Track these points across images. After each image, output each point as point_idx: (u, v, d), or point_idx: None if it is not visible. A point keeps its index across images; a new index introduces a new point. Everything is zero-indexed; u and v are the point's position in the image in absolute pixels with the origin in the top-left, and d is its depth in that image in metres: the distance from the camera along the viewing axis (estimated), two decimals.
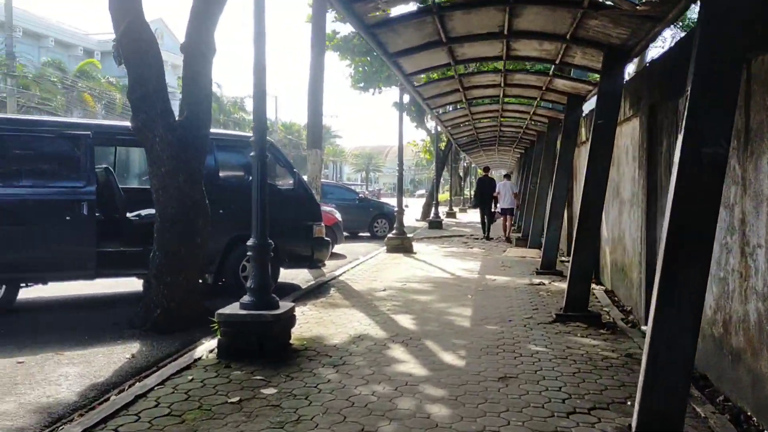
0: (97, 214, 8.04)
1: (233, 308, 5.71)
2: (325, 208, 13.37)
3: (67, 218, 7.69)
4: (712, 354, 5.00)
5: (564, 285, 9.68)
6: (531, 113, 14.03)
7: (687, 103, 3.71)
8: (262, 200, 5.78)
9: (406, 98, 19.46)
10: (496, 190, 19.11)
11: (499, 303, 8.31)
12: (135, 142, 7.72)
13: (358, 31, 7.03)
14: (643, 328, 6.84)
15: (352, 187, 30.03)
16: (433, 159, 31.67)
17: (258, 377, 4.95)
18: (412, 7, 7.10)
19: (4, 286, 7.64)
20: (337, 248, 14.40)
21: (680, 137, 3.78)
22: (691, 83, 3.68)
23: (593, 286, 8.80)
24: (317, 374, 5.06)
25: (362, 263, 12.66)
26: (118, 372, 5.47)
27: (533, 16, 6.90)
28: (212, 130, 7.76)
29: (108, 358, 5.85)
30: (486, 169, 21.16)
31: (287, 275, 10.28)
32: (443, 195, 44.02)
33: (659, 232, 6.70)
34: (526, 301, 8.48)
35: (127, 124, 7.33)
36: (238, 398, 4.47)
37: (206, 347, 5.85)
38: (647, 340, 3.82)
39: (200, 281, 7.81)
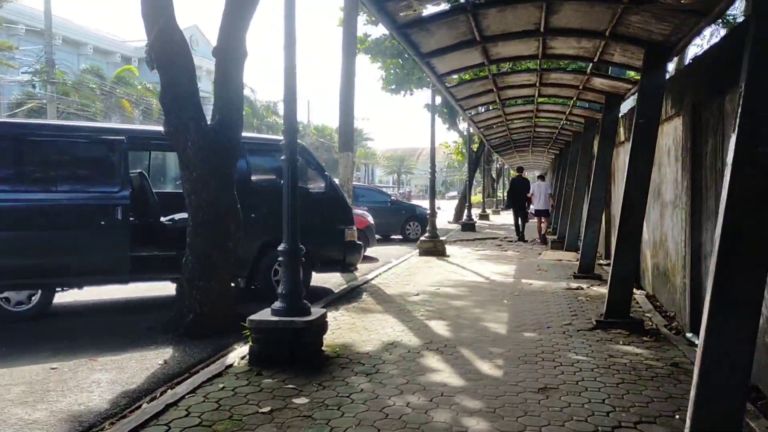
0: (131, 219, 8.06)
1: (264, 314, 5.62)
2: (356, 211, 13.27)
3: (102, 223, 7.72)
4: (765, 364, 4.74)
5: (603, 289, 9.42)
6: (567, 113, 13.73)
7: (741, 100, 3.48)
8: (293, 205, 5.68)
9: (438, 100, 19.26)
10: (530, 191, 18.80)
11: (536, 308, 8.09)
12: (168, 146, 7.70)
13: (390, 32, 6.90)
14: (689, 335, 6.57)
15: (384, 190, 29.91)
16: (465, 160, 31.38)
17: (289, 386, 4.85)
18: (444, 5, 6.93)
19: (39, 291, 7.69)
20: (370, 251, 14.29)
21: (733, 136, 3.55)
22: (746, 79, 3.46)
23: (634, 290, 8.52)
24: (350, 383, 4.93)
25: (395, 267, 12.52)
26: (150, 378, 5.43)
27: (571, 13, 6.68)
28: (244, 134, 7.71)
29: (140, 364, 5.81)
30: (519, 170, 20.85)
31: (319, 279, 10.19)
32: (476, 197, 43.68)
33: (705, 235, 6.44)
34: (564, 306, 8.24)
35: (161, 128, 7.32)
36: (269, 408, 4.36)
37: (238, 353, 5.77)
38: (699, 351, 3.59)
39: (232, 285, 7.77)
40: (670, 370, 5.37)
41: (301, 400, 4.53)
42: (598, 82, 9.90)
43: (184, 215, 7.44)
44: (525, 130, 18.01)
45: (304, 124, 59.86)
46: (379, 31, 22.81)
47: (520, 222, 19.33)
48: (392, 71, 23.88)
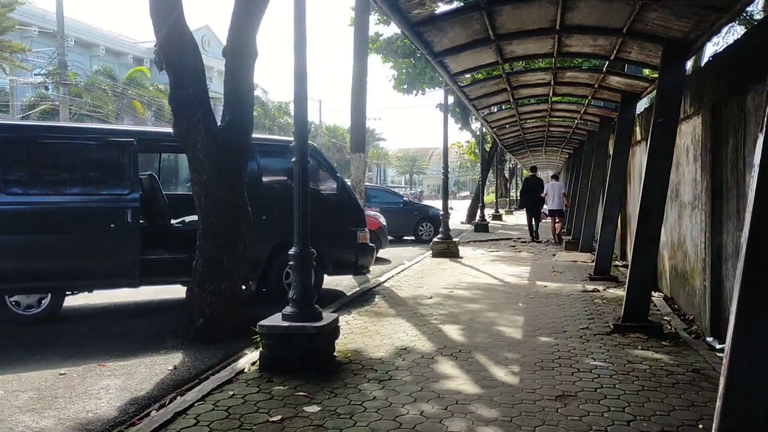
0: (141, 222, 7.99)
1: (275, 319, 5.52)
2: (369, 212, 13.16)
3: (111, 226, 7.64)
4: None
5: (620, 292, 9.27)
6: (581, 112, 13.55)
7: None
8: (304, 208, 5.57)
9: (450, 100, 19.13)
10: (544, 191, 18.62)
11: (552, 312, 7.94)
12: (179, 148, 7.62)
13: (403, 30, 6.78)
14: (709, 339, 6.40)
15: (396, 190, 29.78)
16: (478, 160, 31.19)
17: (301, 393, 4.74)
18: (457, 3, 6.81)
19: (49, 295, 7.64)
20: (382, 252, 14.18)
21: (761, 136, 3.40)
22: None
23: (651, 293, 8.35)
24: (362, 390, 4.82)
25: (407, 269, 12.39)
26: (160, 384, 5.34)
27: (588, 10, 6.53)
28: (255, 135, 7.62)
29: (150, 370, 5.73)
30: (533, 169, 20.66)
31: (331, 281, 10.09)
32: (488, 197, 43.42)
33: (725, 237, 6.27)
34: (581, 309, 8.08)
35: (171, 130, 7.24)
36: (279, 417, 4.25)
37: (248, 359, 5.67)
38: (726, 359, 3.44)
39: (243, 288, 7.69)
40: (692, 377, 5.22)
41: (312, 409, 4.42)
42: (614, 80, 9.72)
43: (195, 218, 7.37)
44: (539, 130, 17.83)
45: (315, 125, 59.88)
46: (391, 30, 22.72)
47: (533, 222, 19.16)
48: (404, 71, 23.76)
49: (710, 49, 20.08)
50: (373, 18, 20.83)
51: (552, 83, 10.47)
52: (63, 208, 7.50)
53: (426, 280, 10.80)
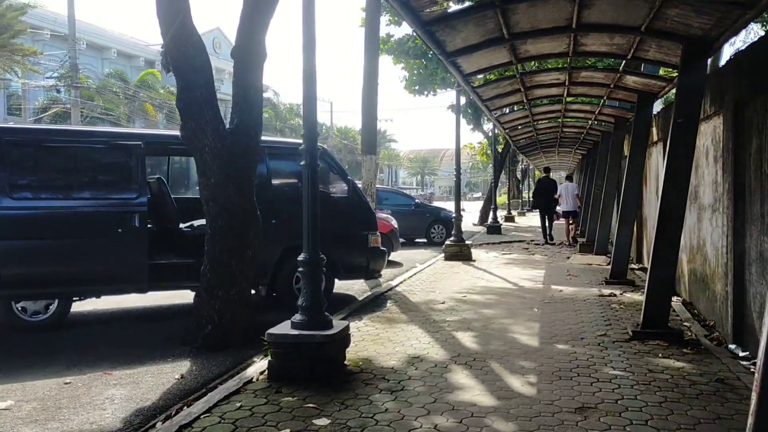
0: (149, 226, 7.88)
1: (284, 327, 5.37)
2: (380, 214, 13.01)
3: (119, 230, 7.52)
4: None
5: (637, 296, 9.06)
6: (596, 113, 13.32)
7: None
8: (314, 213, 5.42)
9: (462, 100, 18.98)
10: (557, 192, 18.40)
11: (568, 317, 7.74)
12: (187, 151, 7.50)
13: (414, 29, 6.61)
14: (731, 346, 6.20)
15: (408, 192, 29.58)
16: (490, 161, 30.99)
17: (310, 405, 4.58)
18: (470, 1, 6.64)
19: (56, 301, 7.53)
20: (394, 255, 14.00)
21: None
22: None
23: None
24: (374, 402, 4.65)
25: (420, 272, 12.22)
26: (166, 394, 5.21)
27: (605, 7, 6.34)
28: (264, 137, 7.48)
29: (156, 379, 5.60)
30: (546, 170, 20.42)
31: (342, 285, 9.94)
32: (500, 198, 43.16)
33: (749, 241, 6.05)
34: (598, 315, 7.88)
35: (179, 133, 7.11)
36: (288, 430, 4.10)
37: (257, 368, 5.52)
38: (758, 375, 3.23)
39: (252, 293, 7.55)
40: (716, 387, 5.02)
41: (322, 422, 4.26)
42: (630, 80, 9.50)
43: (204, 222, 7.23)
44: (552, 131, 17.60)
45: (326, 126, 59.84)
46: (402, 31, 22.62)
47: (547, 223, 18.94)
48: (415, 72, 23.64)
49: (726, 49, 19.74)
50: (384, 19, 20.73)
51: (566, 83, 10.27)
52: (69, 212, 7.38)
53: (438, 284, 10.63)
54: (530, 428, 4.14)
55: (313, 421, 4.27)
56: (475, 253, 15.28)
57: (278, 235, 8.11)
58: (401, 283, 10.76)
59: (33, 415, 4.68)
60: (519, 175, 48.96)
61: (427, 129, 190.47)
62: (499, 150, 29.67)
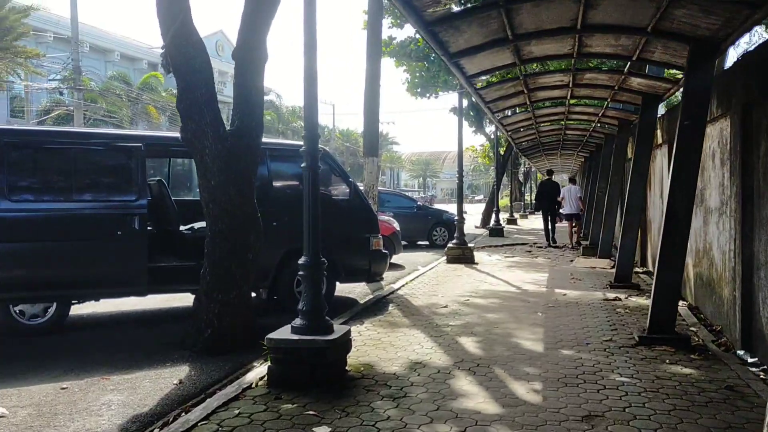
0: (149, 228, 7.79)
1: (284, 332, 5.27)
2: (382, 217, 12.93)
3: (119, 233, 7.44)
4: None
5: (642, 300, 8.95)
6: (599, 115, 13.22)
7: None
8: (314, 215, 5.33)
9: (465, 103, 18.90)
10: (561, 195, 18.29)
11: (573, 322, 7.63)
12: (188, 153, 7.42)
13: (417, 29, 6.52)
14: (740, 352, 6.09)
15: (409, 194, 29.49)
16: (492, 164, 30.89)
17: (310, 412, 4.48)
18: (472, 2, 6.54)
19: (54, 304, 7.44)
20: (396, 258, 13.92)
21: None
22: None
23: None
24: (375, 409, 4.55)
25: (422, 275, 12.12)
26: (164, 400, 5.11)
27: (611, 8, 6.25)
28: (265, 139, 7.40)
29: (154, 384, 5.50)
30: (549, 173, 20.30)
31: (343, 288, 9.85)
32: (502, 201, 43.03)
33: (757, 245, 5.95)
34: (603, 319, 7.77)
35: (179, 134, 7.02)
36: None
37: (256, 374, 5.42)
38: None
39: (253, 296, 7.45)
40: (726, 395, 4.91)
41: (322, 430, 4.16)
42: (635, 82, 9.40)
43: (204, 224, 7.14)
44: (555, 133, 17.50)
45: (329, 129, 59.81)
46: (404, 33, 22.62)
47: (550, 226, 18.83)
48: (417, 74, 23.57)
49: (729, 51, 19.61)
50: (387, 21, 20.69)
51: (570, 85, 10.17)
52: (68, 214, 7.29)
53: (441, 288, 10.53)
54: None
55: (314, 429, 4.18)
56: (478, 255, 15.17)
57: (280, 237, 8.02)
58: (403, 286, 10.67)
59: (28, 422, 4.60)
60: (521, 178, 48.83)
61: (429, 132, 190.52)
62: (501, 152, 29.58)
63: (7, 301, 7.17)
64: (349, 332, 5.54)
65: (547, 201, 18.71)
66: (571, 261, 14.44)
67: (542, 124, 15.59)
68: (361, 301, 9.36)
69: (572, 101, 12.20)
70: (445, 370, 5.55)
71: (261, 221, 6.93)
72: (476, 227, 28.03)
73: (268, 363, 5.22)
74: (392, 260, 12.41)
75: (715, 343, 6.53)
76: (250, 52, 6.84)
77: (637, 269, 12.07)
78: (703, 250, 7.99)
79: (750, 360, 5.84)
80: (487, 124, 28.79)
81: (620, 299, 9.15)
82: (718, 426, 4.25)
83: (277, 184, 8.64)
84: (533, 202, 36.01)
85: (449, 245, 14.86)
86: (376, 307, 8.80)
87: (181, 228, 8.75)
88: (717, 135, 7.24)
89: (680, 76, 9.22)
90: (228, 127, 6.80)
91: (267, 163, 8.34)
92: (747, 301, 6.12)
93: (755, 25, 5.84)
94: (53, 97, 33.57)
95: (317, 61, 5.41)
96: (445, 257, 14.58)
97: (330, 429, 4.17)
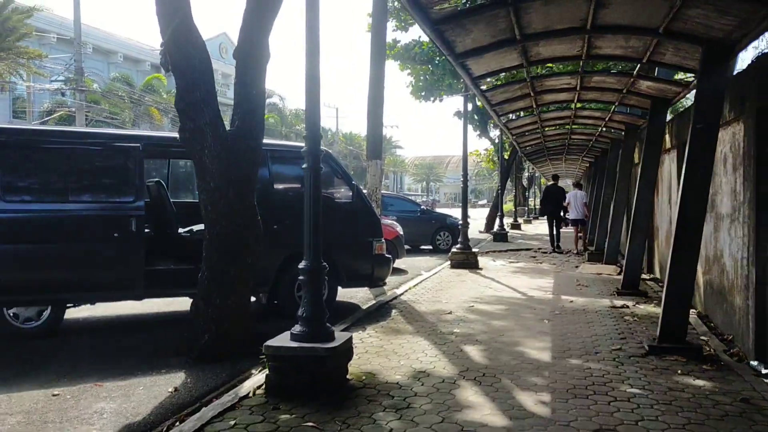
0: (146, 231, 7.62)
1: (283, 339, 5.09)
2: (385, 221, 12.75)
3: (115, 235, 7.27)
4: None
5: (651, 308, 8.76)
6: (606, 119, 13.04)
7: None
8: (315, 219, 5.15)
9: (469, 107, 18.73)
10: (566, 200, 18.11)
11: (580, 330, 7.44)
12: (187, 153, 7.25)
13: (424, 28, 6.34)
14: (753, 363, 5.89)
15: (413, 198, 29.31)
16: (496, 168, 30.72)
17: (309, 423, 4.29)
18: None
19: (49, 307, 7.27)
20: (399, 263, 13.73)
21: None
22: None
23: None
24: (377, 421, 4.36)
25: (425, 280, 11.93)
26: (158, 409, 4.94)
27: (623, 7, 6.08)
28: (266, 140, 7.23)
29: (149, 392, 5.33)
30: (555, 178, 20.12)
31: (345, 293, 9.67)
32: (506, 206, 42.82)
33: None
34: (611, 327, 7.57)
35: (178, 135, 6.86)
36: None
37: (254, 382, 5.24)
38: None
39: (252, 300, 7.27)
40: (741, 408, 4.71)
41: None
42: (644, 85, 9.22)
43: (203, 227, 6.97)
44: (560, 137, 17.33)
45: (332, 132, 59.75)
46: (409, 36, 22.53)
47: (555, 232, 18.65)
48: (422, 77, 23.42)
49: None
50: (391, 24, 20.56)
51: (578, 88, 10.00)
52: (64, 216, 7.13)
53: (445, 293, 10.34)
54: None
55: None
56: (482, 261, 14.98)
57: (280, 241, 7.85)
58: (406, 291, 10.48)
59: (17, 430, 4.44)
60: (525, 183, 48.64)
61: (433, 135, 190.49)
62: (506, 157, 29.40)
63: (0, 304, 7.00)
64: (350, 339, 5.36)
65: (553, 206, 18.54)
66: (577, 267, 14.24)
67: (548, 128, 15.42)
68: (364, 307, 9.17)
69: (579, 105, 12.02)
70: (449, 380, 5.36)
71: (261, 224, 6.76)
72: (480, 232, 27.86)
73: (266, 371, 5.04)
74: (395, 265, 12.23)
75: (727, 353, 6.34)
76: (251, 51, 6.66)
77: (643, 276, 11.87)
78: (713, 258, 7.80)
79: (764, 371, 5.64)
80: (492, 128, 28.62)
81: (628, 306, 8.95)
82: None
83: (278, 186, 8.48)
84: (537, 207, 35.81)
85: (453, 250, 14.68)
86: (379, 313, 8.61)
87: (180, 230, 8.58)
88: (729, 139, 7.06)
89: (690, 79, 9.05)
90: (228, 128, 6.64)
91: (268, 164, 8.17)
92: (761, 311, 5.93)
93: None
94: (56, 99, 33.51)
95: (320, 58, 5.25)
96: (448, 262, 14.40)
97: None
